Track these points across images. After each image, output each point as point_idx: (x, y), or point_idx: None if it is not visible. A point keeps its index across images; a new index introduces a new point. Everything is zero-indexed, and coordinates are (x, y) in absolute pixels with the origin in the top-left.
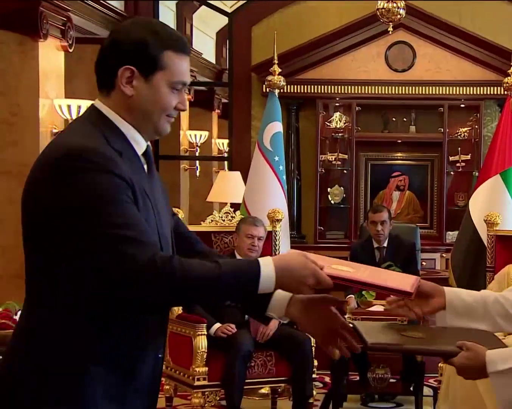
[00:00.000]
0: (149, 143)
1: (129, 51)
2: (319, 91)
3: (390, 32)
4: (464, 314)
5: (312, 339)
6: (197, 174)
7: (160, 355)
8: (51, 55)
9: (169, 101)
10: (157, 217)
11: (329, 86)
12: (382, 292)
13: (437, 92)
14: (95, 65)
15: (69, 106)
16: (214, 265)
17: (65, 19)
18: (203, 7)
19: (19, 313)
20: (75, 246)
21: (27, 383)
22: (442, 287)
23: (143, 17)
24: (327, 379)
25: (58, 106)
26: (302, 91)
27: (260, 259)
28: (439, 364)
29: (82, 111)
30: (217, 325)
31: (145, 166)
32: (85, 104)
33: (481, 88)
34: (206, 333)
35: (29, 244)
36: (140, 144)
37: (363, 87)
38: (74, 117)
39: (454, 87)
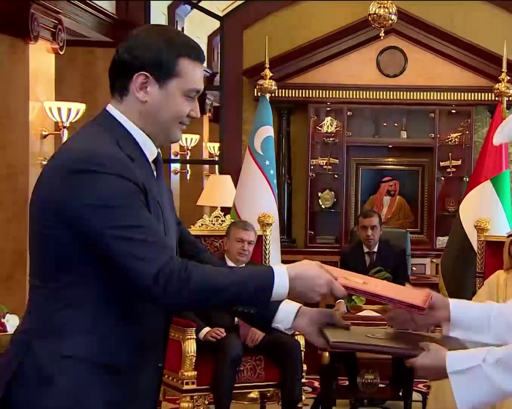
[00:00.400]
0: (159, 150)
1: (144, 58)
2: (310, 95)
3: (382, 38)
4: (468, 328)
5: (301, 343)
6: (188, 177)
7: (160, 365)
8: (41, 58)
9: (183, 108)
10: (165, 224)
11: (321, 91)
12: (395, 306)
13: (428, 98)
14: (109, 70)
15: (59, 109)
16: (228, 271)
17: (56, 21)
18: (195, 10)
19: (7, 315)
20: (98, 249)
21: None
22: (447, 300)
23: (157, 24)
24: (316, 383)
25: (48, 108)
26: (293, 95)
27: (274, 266)
28: None
29: (72, 114)
30: (206, 329)
31: (154, 173)
32: (75, 107)
33: (472, 94)
34: (195, 337)
35: (48, 248)
36: (151, 151)
37: (354, 92)
38: (64, 120)
39: (445, 93)
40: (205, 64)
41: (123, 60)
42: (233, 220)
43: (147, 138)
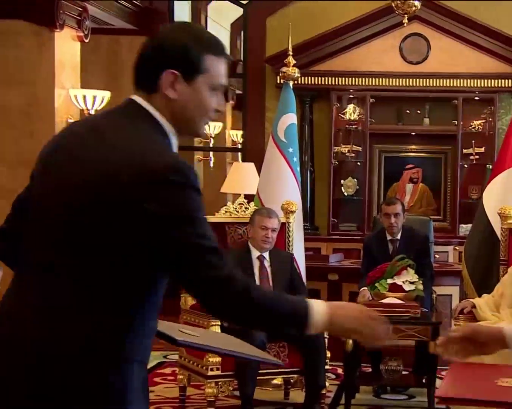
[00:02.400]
0: None
1: (173, 56)
2: (333, 83)
3: (405, 24)
4: None
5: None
6: (211, 165)
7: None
8: (67, 46)
9: (211, 103)
10: None
11: (343, 78)
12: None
13: (451, 85)
14: (135, 65)
15: (84, 97)
16: (287, 303)
17: (81, 9)
18: None
19: None
20: (169, 254)
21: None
22: (500, 332)
23: (181, 21)
24: (340, 370)
25: (74, 96)
26: (316, 83)
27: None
28: None
29: (97, 102)
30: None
31: None
32: (100, 94)
33: (496, 80)
34: (219, 323)
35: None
36: (175, 146)
37: (377, 79)
38: (89, 107)
39: (468, 80)
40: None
41: (151, 57)
42: (256, 207)
43: (174, 134)
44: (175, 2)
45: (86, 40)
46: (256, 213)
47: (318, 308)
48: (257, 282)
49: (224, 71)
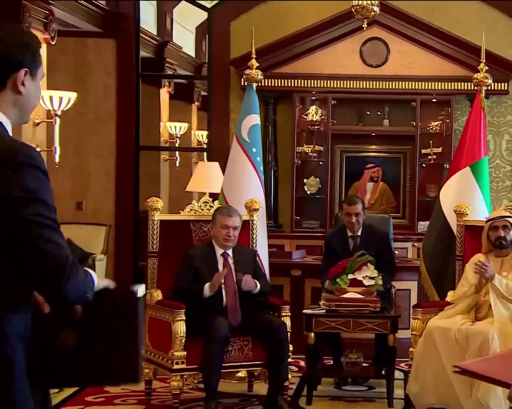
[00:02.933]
0: None
1: (22, 56)
2: (296, 85)
3: (365, 29)
4: None
5: (288, 324)
6: (177, 164)
7: None
8: None
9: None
10: None
11: (306, 80)
12: None
13: (410, 87)
14: None
15: (51, 97)
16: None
17: (47, 12)
18: (183, 2)
19: None
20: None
21: None
22: None
23: (11, 24)
24: (302, 363)
25: (40, 97)
26: (279, 85)
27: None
28: (410, 349)
29: (64, 102)
30: (207, 284)
31: None
32: (67, 95)
33: (452, 83)
34: (184, 318)
35: None
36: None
37: (338, 81)
38: (56, 108)
39: (426, 83)
40: (193, 54)
41: (19, 56)
42: (220, 205)
43: (9, 123)
44: (140, 5)
45: (53, 42)
46: (218, 212)
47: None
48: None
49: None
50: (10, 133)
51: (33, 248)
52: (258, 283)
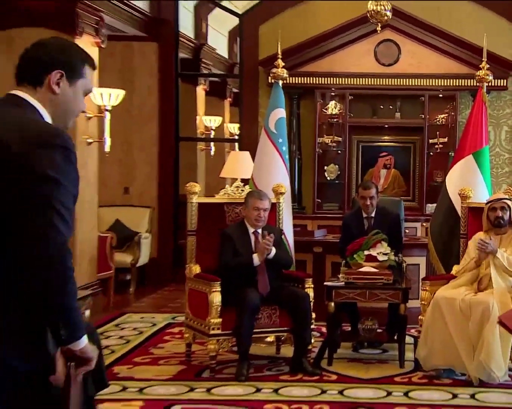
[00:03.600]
0: None
1: (60, 59)
2: (317, 82)
3: (379, 32)
4: None
5: (311, 295)
6: (212, 154)
7: None
8: (86, 50)
9: (81, 104)
10: None
11: (326, 78)
12: None
13: (418, 84)
14: (20, 65)
15: (102, 95)
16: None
17: (98, 18)
18: (217, 8)
19: None
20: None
21: None
22: None
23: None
24: (324, 329)
25: (92, 94)
26: (302, 82)
27: None
28: (419, 317)
29: (113, 99)
30: (255, 255)
31: None
32: (115, 92)
33: (457, 80)
34: (219, 289)
35: None
36: None
37: (355, 79)
38: (106, 103)
39: (433, 80)
40: (226, 55)
41: (41, 58)
42: (251, 190)
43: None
44: (179, 12)
45: (103, 46)
46: (250, 196)
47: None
48: (255, 255)
49: (92, 80)
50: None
51: (35, 226)
52: (274, 249)
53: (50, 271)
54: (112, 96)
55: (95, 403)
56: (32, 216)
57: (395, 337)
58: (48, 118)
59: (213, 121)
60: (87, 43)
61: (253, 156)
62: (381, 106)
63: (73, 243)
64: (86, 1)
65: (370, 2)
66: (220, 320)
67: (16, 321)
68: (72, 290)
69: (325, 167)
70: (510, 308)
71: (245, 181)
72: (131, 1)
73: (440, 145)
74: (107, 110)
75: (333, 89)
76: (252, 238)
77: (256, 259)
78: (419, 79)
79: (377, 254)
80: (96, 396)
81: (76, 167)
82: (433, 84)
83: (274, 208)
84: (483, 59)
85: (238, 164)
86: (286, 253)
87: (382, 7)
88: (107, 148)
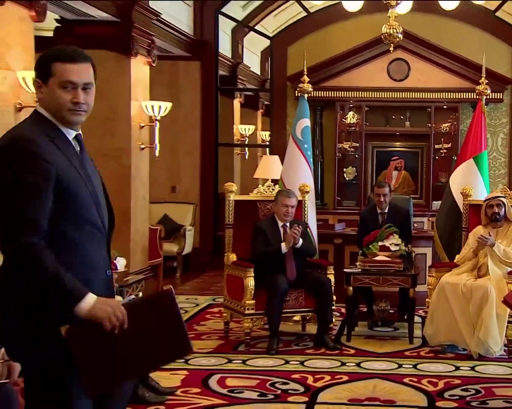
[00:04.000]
0: (80, 132)
1: (36, 68)
2: (337, 95)
3: (391, 51)
4: None
5: (332, 280)
6: (246, 157)
7: (108, 273)
8: (139, 69)
9: (63, 97)
10: (89, 185)
11: (345, 92)
12: None
13: (426, 97)
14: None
15: (152, 106)
16: (71, 280)
17: (150, 41)
18: (251, 32)
19: (117, 258)
20: None
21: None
22: None
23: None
24: (343, 310)
25: (144, 106)
26: (324, 95)
27: (90, 293)
28: (426, 300)
29: (162, 110)
30: (282, 243)
31: (77, 148)
32: (164, 105)
33: (459, 94)
34: (253, 275)
35: None
36: (69, 133)
37: (370, 93)
38: (156, 114)
39: (438, 93)
40: (259, 72)
41: (36, 71)
42: (280, 189)
43: (63, 124)
44: (219, 35)
45: (154, 64)
46: (279, 194)
47: (89, 299)
48: (283, 244)
49: (70, 71)
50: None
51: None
52: (301, 240)
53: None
54: (161, 108)
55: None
56: None
57: (405, 317)
58: (56, 121)
59: (247, 130)
60: (140, 63)
61: (282, 160)
62: (393, 116)
63: (128, 234)
64: (140, 27)
65: (384, 25)
66: (253, 301)
67: (16, 321)
68: (43, 265)
69: (344, 169)
70: (505, 292)
71: (275, 182)
72: (177, 26)
73: (445, 150)
74: (157, 120)
75: (351, 101)
76: (281, 230)
77: (284, 247)
78: (426, 93)
79: (390, 244)
80: None
81: (28, 161)
82: (438, 97)
83: (300, 204)
84: (482, 75)
85: (269, 166)
86: (311, 243)
87: (394, 30)
88: (157, 153)
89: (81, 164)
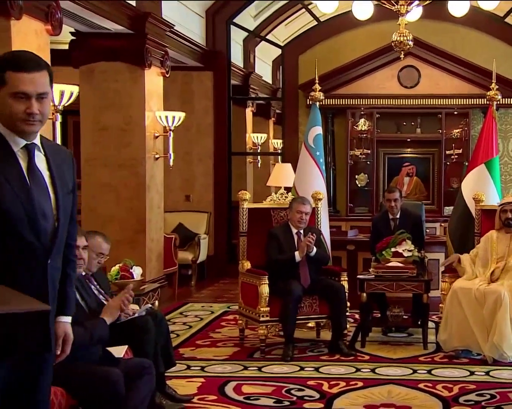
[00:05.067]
0: (35, 140)
1: None
2: (348, 103)
3: (402, 59)
4: None
5: (346, 286)
6: (259, 166)
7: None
8: (153, 79)
9: (14, 107)
10: (26, 200)
11: (356, 99)
12: None
13: (436, 103)
14: None
15: (166, 117)
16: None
17: (163, 53)
18: (263, 42)
19: (134, 267)
20: None
21: None
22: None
23: None
24: (357, 316)
25: (158, 116)
26: (336, 103)
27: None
28: (440, 305)
29: (176, 120)
30: (296, 252)
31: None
32: (178, 115)
33: (470, 100)
34: (268, 282)
35: None
36: (16, 143)
37: (381, 100)
38: (170, 124)
39: (449, 99)
40: (270, 81)
41: None
42: (294, 196)
43: (10, 133)
44: (231, 45)
45: (167, 75)
46: (294, 201)
47: None
48: (297, 252)
49: (23, 81)
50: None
51: None
52: (315, 249)
53: None
54: (175, 118)
55: (165, 379)
56: None
57: (419, 323)
58: (4, 131)
59: (260, 138)
60: (154, 74)
61: (294, 167)
62: (404, 123)
63: (143, 243)
64: (153, 39)
65: (394, 33)
66: (268, 308)
67: None
68: None
69: (356, 176)
70: None
71: (288, 189)
72: (190, 38)
73: (456, 156)
74: (171, 130)
75: (362, 108)
76: (295, 237)
77: (297, 256)
78: (436, 99)
79: (403, 250)
80: (166, 373)
81: None
82: (449, 103)
83: (313, 211)
84: (492, 81)
85: (282, 174)
86: (325, 251)
87: (405, 37)
88: (171, 162)
89: (21, 177)
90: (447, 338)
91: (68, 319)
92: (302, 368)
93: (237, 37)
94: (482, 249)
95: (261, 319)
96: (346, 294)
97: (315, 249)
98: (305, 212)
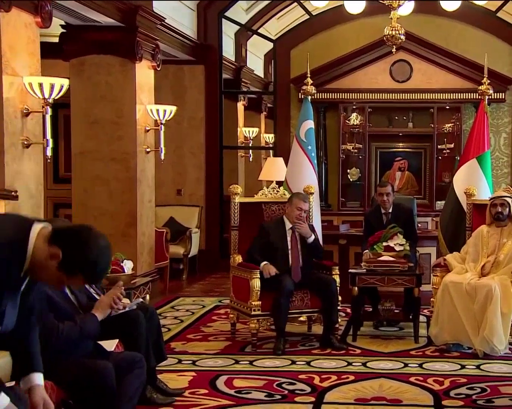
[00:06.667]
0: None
1: None
2: (340, 97)
3: (393, 53)
4: None
5: (337, 280)
6: (250, 160)
7: None
8: (144, 73)
9: None
10: None
11: (348, 94)
12: None
13: (428, 98)
14: None
15: (157, 110)
16: None
17: (154, 46)
18: (255, 35)
19: (124, 261)
20: None
21: None
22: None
23: None
24: (348, 310)
25: (150, 110)
26: (328, 97)
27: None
28: (431, 299)
29: (167, 114)
30: (262, 264)
31: None
32: (169, 108)
33: (462, 94)
34: (259, 276)
35: None
36: None
37: (373, 94)
38: (161, 118)
39: (441, 94)
40: (262, 75)
41: None
42: (285, 191)
43: None
44: (222, 39)
45: (158, 69)
46: (295, 196)
47: None
48: (289, 246)
49: None
50: None
51: None
52: (313, 235)
53: None
54: (166, 112)
55: (156, 372)
56: None
57: (410, 317)
58: None
59: (251, 132)
60: (145, 67)
61: (286, 161)
62: (396, 117)
63: (135, 237)
64: (144, 32)
65: (386, 27)
66: (259, 302)
67: None
68: None
69: (348, 170)
70: (510, 290)
71: (279, 183)
72: (181, 31)
73: (448, 151)
74: (162, 123)
75: (354, 103)
76: (289, 233)
77: (261, 268)
78: (428, 94)
79: (394, 245)
80: (157, 367)
81: None
82: (441, 97)
83: None
84: (484, 76)
85: (273, 168)
86: (319, 245)
87: (397, 32)
88: (162, 156)
89: None
90: (438, 332)
91: (40, 377)
92: (293, 362)
93: (228, 31)
94: (472, 244)
95: (253, 313)
96: (338, 288)
97: (313, 236)
98: (304, 209)
